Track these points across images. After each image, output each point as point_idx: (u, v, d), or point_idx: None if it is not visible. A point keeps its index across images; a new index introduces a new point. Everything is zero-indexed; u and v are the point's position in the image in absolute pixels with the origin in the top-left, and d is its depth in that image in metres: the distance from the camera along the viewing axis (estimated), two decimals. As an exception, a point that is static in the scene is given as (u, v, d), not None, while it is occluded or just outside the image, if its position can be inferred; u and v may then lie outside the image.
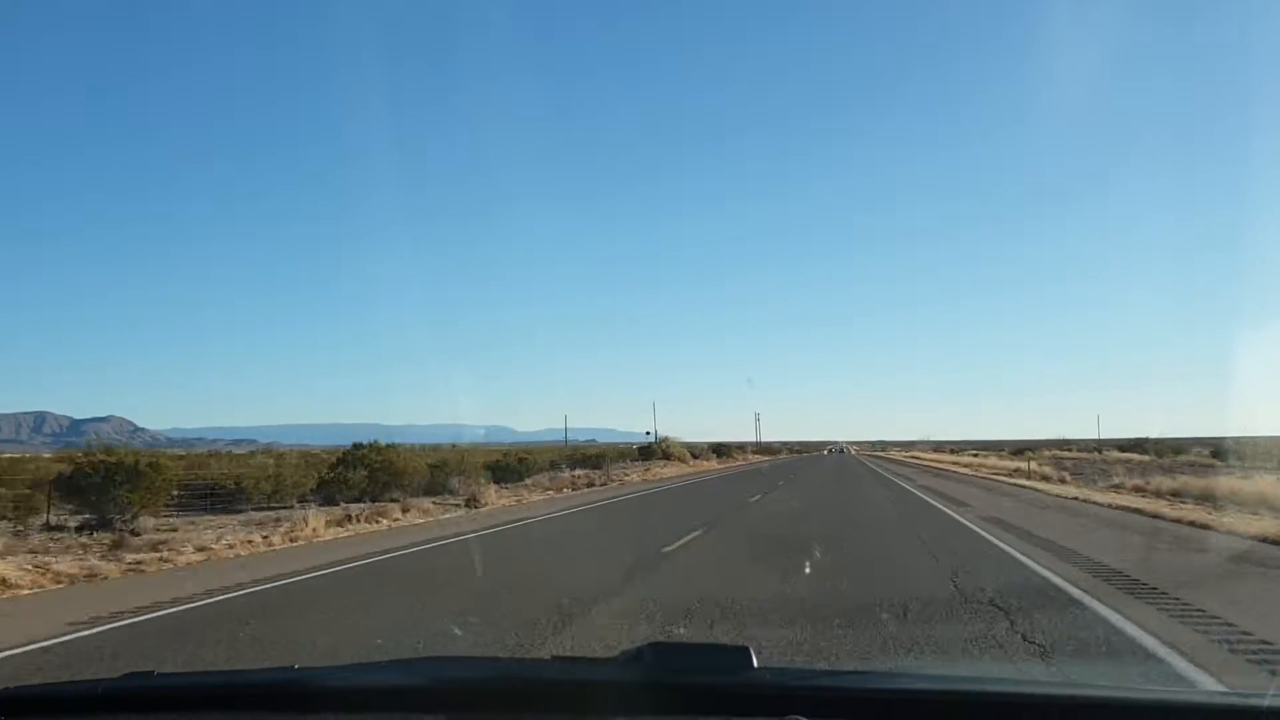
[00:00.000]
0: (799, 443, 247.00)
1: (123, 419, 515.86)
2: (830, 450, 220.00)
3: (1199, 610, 8.38)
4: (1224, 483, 26.29)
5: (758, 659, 2.16)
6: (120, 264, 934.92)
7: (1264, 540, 14.64)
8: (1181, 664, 6.39)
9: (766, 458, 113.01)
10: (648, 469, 54.93)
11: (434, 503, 24.69)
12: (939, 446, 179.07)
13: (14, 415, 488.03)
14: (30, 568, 11.78)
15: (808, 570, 11.21)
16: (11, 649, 7.49)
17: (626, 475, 45.77)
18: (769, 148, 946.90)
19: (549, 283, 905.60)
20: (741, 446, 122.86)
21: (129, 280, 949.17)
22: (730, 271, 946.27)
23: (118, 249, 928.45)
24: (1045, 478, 41.08)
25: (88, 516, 19.34)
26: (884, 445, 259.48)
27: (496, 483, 31.51)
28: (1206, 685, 5.73)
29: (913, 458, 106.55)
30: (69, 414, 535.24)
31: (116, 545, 14.36)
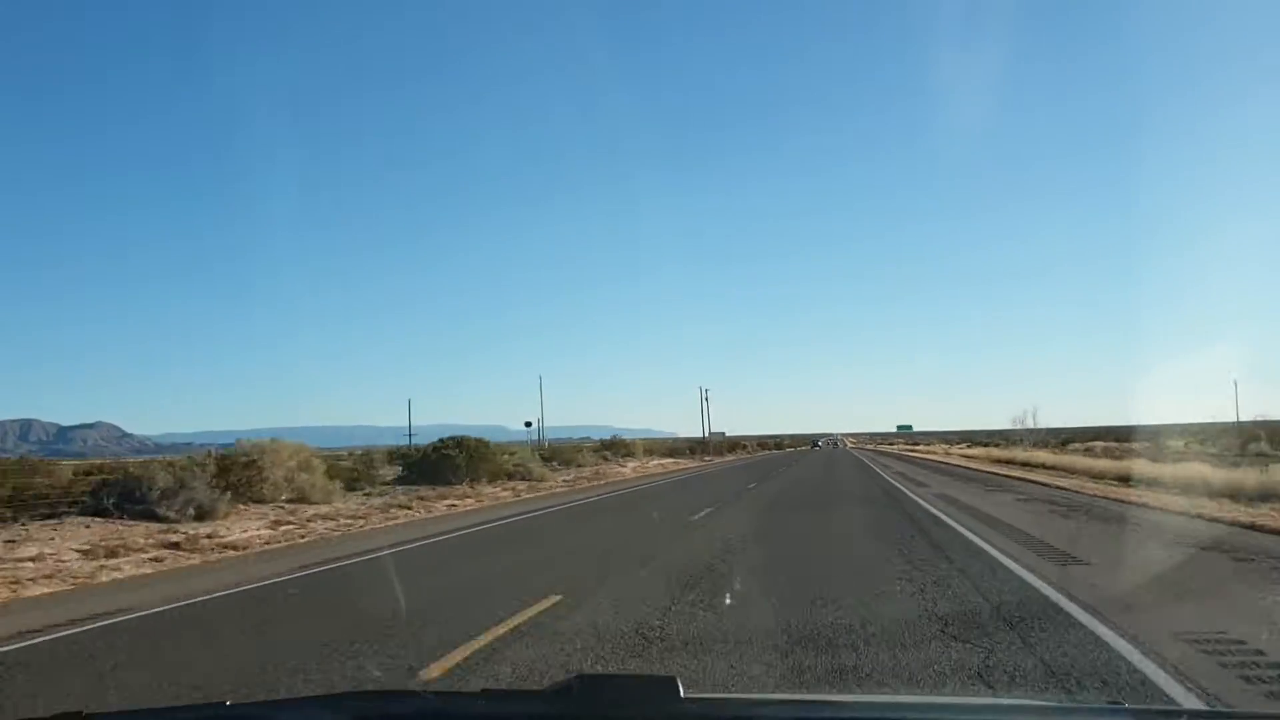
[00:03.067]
0: (788, 436, 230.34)
1: (111, 425, 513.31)
2: (824, 443, 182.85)
3: None
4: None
5: (685, 689, 2.19)
6: (106, 269, 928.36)
7: None
8: None
9: (695, 463, 72.73)
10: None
11: None
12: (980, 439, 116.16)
13: (0, 423, 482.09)
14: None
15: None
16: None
17: None
18: (771, 132, 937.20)
19: (537, 283, 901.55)
20: (614, 442, 73.33)
21: (115, 285, 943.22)
22: (731, 262, 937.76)
23: (104, 253, 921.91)
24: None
25: None
26: (897, 437, 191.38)
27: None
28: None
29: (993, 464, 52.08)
30: (56, 421, 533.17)
31: None
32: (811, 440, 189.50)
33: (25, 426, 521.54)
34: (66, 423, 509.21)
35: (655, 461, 67.41)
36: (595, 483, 39.08)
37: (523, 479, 36.85)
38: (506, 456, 39.77)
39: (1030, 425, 69.88)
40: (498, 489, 32.03)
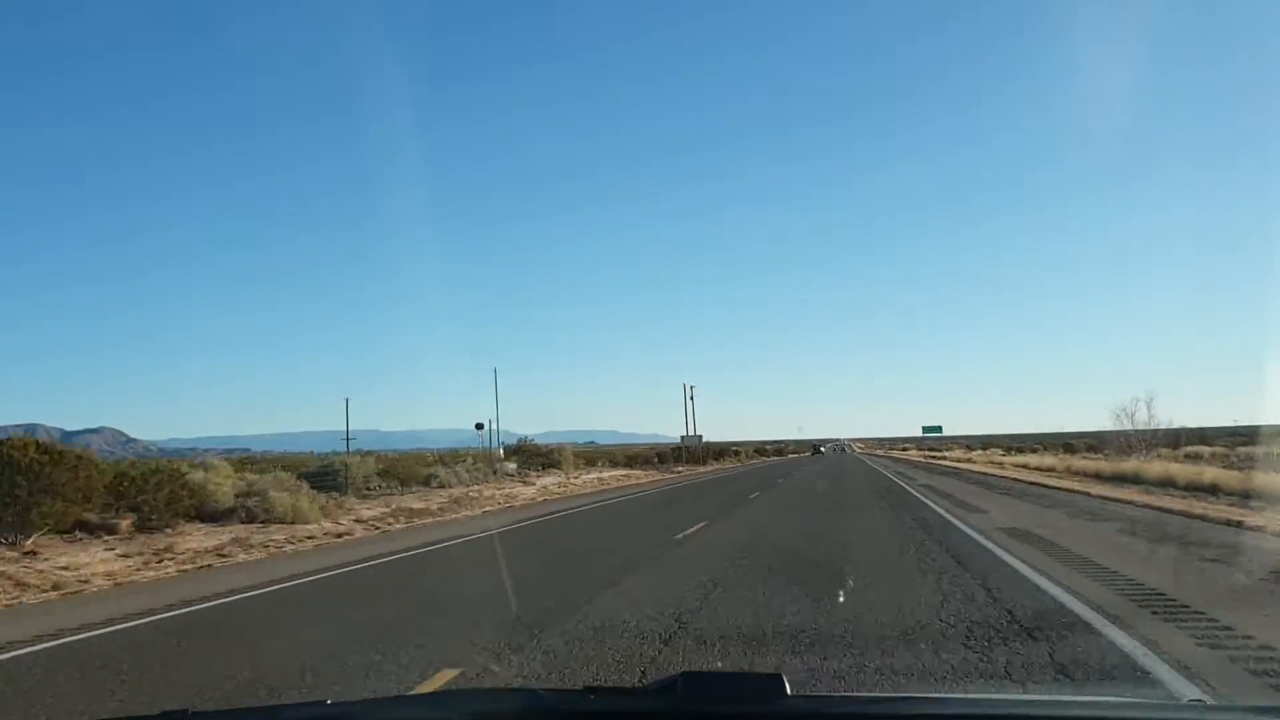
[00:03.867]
0: (792, 442, 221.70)
1: (115, 430, 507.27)
2: (828, 449, 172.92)
3: None
4: None
5: (792, 687, 2.17)
6: (112, 274, 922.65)
7: None
8: None
9: (651, 477, 53.31)
10: None
11: None
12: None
13: (3, 428, 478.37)
14: None
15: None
16: None
17: None
18: (777, 148, 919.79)
19: (541, 288, 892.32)
20: (525, 447, 53.95)
21: (121, 290, 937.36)
22: (766, 268, 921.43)
23: (109, 259, 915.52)
24: None
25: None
26: (908, 441, 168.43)
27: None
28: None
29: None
30: (60, 426, 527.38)
31: None
32: (813, 445, 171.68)
33: (30, 431, 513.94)
34: (71, 428, 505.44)
35: (593, 475, 48.13)
36: (419, 523, 22.09)
37: (251, 522, 19.90)
38: (214, 480, 21.99)
39: (1143, 423, 45.84)
40: (113, 556, 14.86)
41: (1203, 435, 66.61)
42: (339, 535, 19.07)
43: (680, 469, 70.15)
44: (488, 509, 27.23)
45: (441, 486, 32.95)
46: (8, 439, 17.41)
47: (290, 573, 13.49)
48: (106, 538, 17.35)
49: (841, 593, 9.88)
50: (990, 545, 14.57)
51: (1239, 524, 17.80)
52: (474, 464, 41.12)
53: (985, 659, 6.89)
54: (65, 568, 13.67)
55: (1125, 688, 6.06)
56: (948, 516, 20.34)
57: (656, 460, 75.06)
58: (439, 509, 25.89)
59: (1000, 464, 63.67)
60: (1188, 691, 5.92)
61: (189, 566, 14.25)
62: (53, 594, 11.89)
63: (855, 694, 5.47)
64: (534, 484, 39.24)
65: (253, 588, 12.18)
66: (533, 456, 50.57)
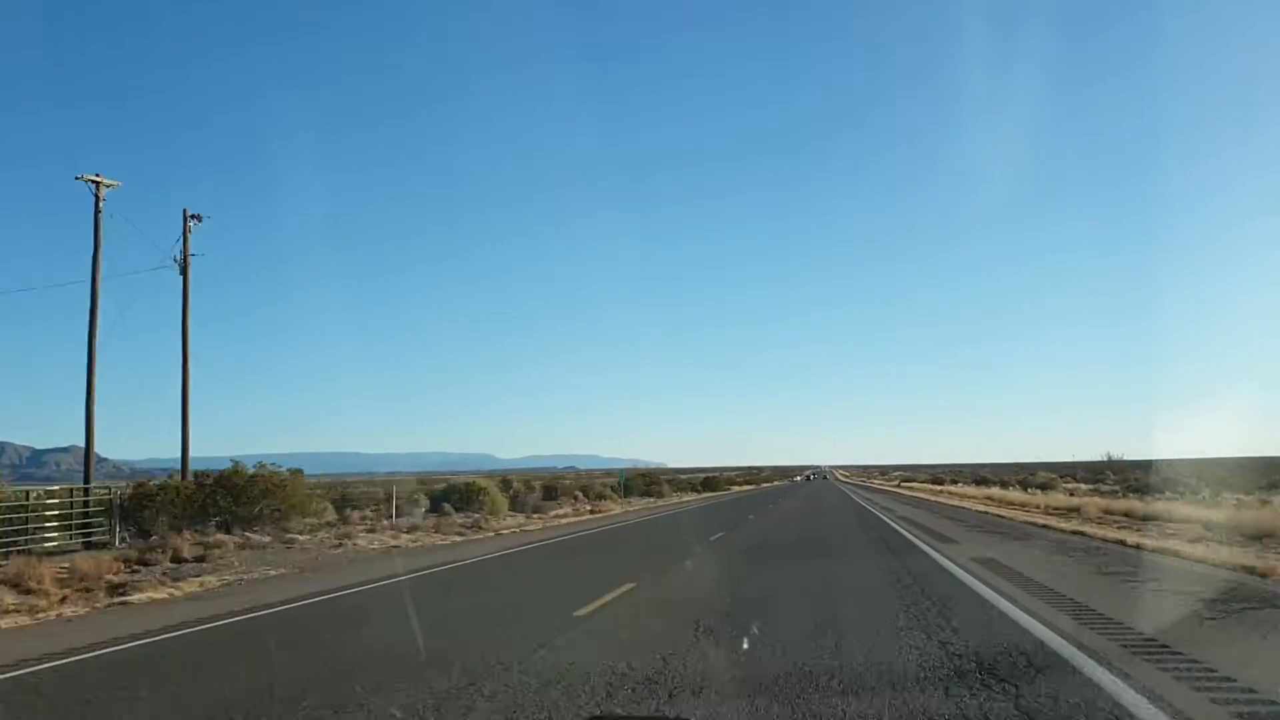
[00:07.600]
0: (776, 468, 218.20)
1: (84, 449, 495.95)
2: (807, 476, 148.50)
3: None
4: None
5: None
6: (79, 291, 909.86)
7: None
8: None
9: None
10: None
11: None
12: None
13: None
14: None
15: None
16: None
17: None
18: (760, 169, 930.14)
19: (531, 311, 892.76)
20: None
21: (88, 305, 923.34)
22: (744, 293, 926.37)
23: (76, 274, 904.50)
24: None
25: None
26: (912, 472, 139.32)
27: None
28: None
29: None
30: (30, 444, 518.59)
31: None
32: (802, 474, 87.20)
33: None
34: (40, 446, 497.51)
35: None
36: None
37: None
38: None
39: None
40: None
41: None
42: None
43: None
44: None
45: None
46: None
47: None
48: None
49: None
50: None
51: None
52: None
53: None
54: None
55: None
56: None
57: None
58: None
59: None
60: None
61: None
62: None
63: None
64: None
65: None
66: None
